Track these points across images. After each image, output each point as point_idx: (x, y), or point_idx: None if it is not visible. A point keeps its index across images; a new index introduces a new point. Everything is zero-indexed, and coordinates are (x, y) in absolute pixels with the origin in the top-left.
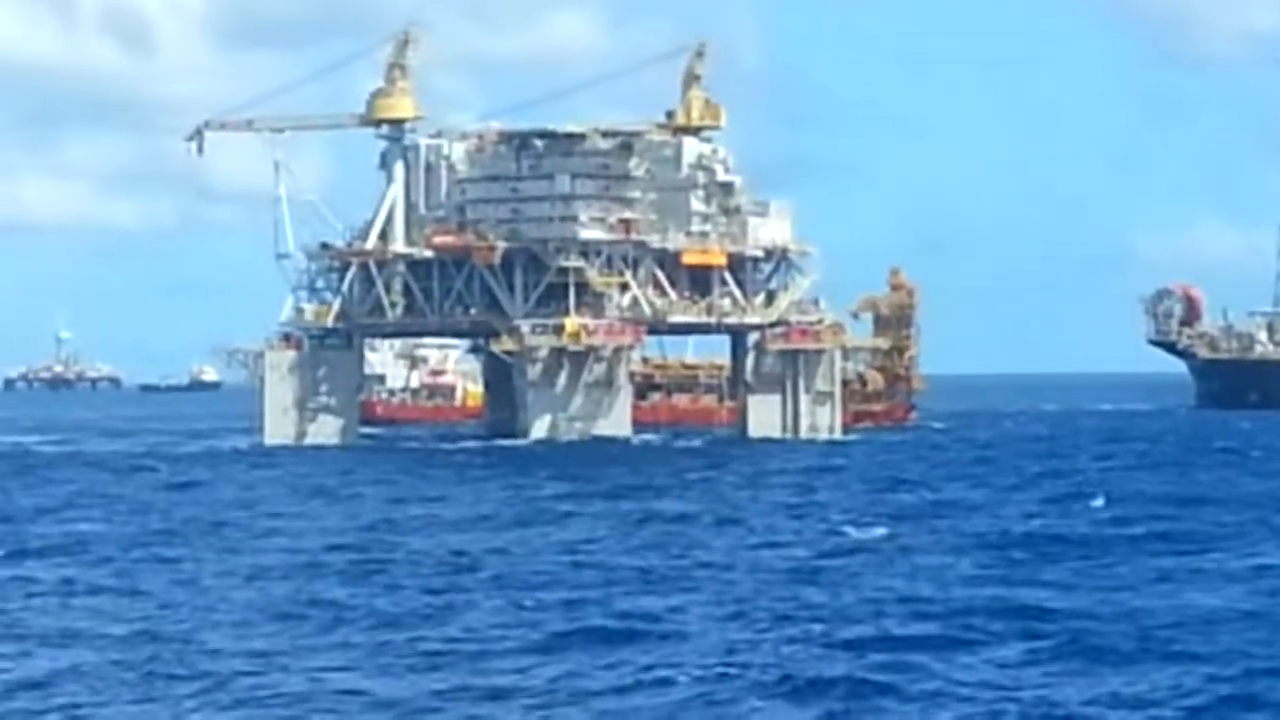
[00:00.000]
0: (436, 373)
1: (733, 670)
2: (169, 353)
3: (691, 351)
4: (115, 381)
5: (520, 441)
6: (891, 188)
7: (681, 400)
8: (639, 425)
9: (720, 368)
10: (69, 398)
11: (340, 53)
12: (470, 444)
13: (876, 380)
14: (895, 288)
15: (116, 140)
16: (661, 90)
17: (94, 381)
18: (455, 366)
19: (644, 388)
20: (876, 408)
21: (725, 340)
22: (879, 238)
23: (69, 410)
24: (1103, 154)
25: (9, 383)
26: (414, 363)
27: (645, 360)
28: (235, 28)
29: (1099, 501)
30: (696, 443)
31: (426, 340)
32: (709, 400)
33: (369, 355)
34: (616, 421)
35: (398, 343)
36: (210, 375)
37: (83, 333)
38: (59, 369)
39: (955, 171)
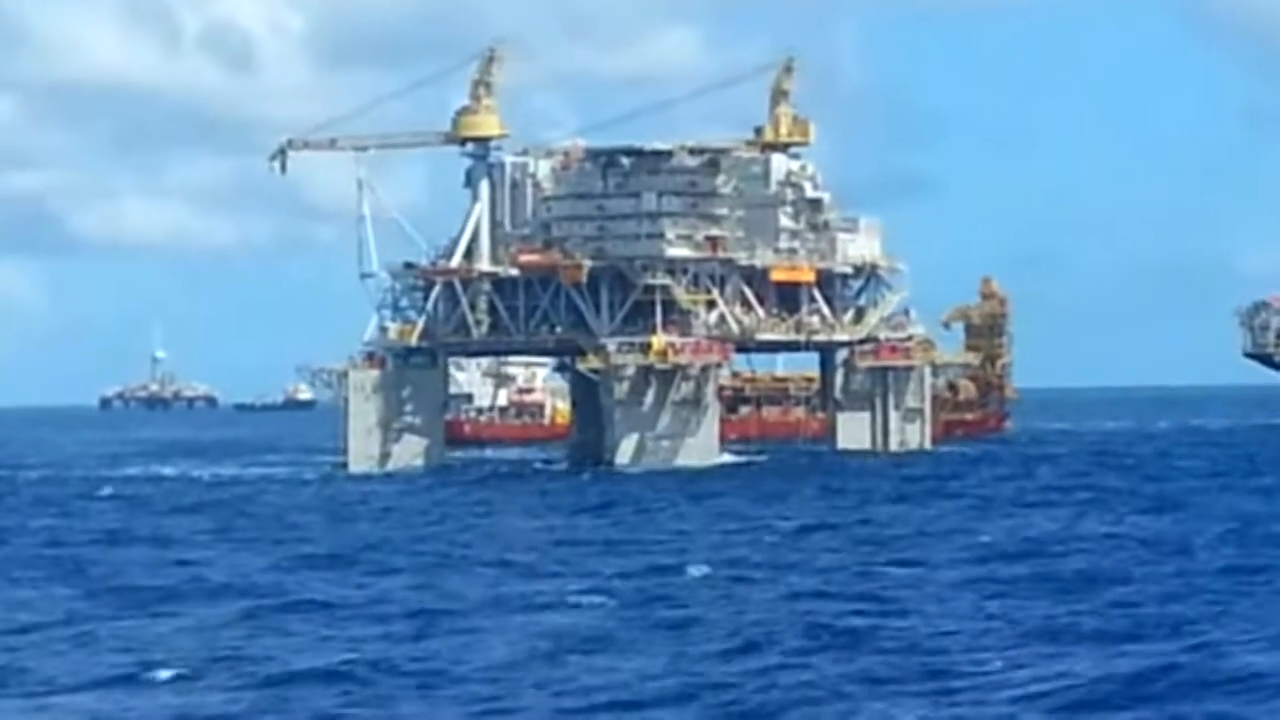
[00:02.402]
0: (525, 391)
1: None
2: (264, 372)
3: (781, 365)
4: (211, 401)
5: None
6: (990, 202)
7: (772, 413)
8: (728, 440)
9: (811, 380)
10: (165, 417)
11: (440, 72)
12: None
13: (969, 389)
14: (986, 296)
15: (214, 160)
16: (760, 106)
17: (190, 401)
18: (544, 384)
19: (734, 401)
20: (969, 417)
21: (815, 355)
22: (977, 252)
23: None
24: (1200, 167)
25: (105, 402)
26: (502, 381)
27: (735, 374)
28: (335, 47)
29: None
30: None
31: (514, 358)
32: (799, 413)
33: (456, 374)
34: (704, 441)
35: (485, 361)
36: (305, 394)
37: (178, 352)
38: (155, 388)
39: (1054, 186)
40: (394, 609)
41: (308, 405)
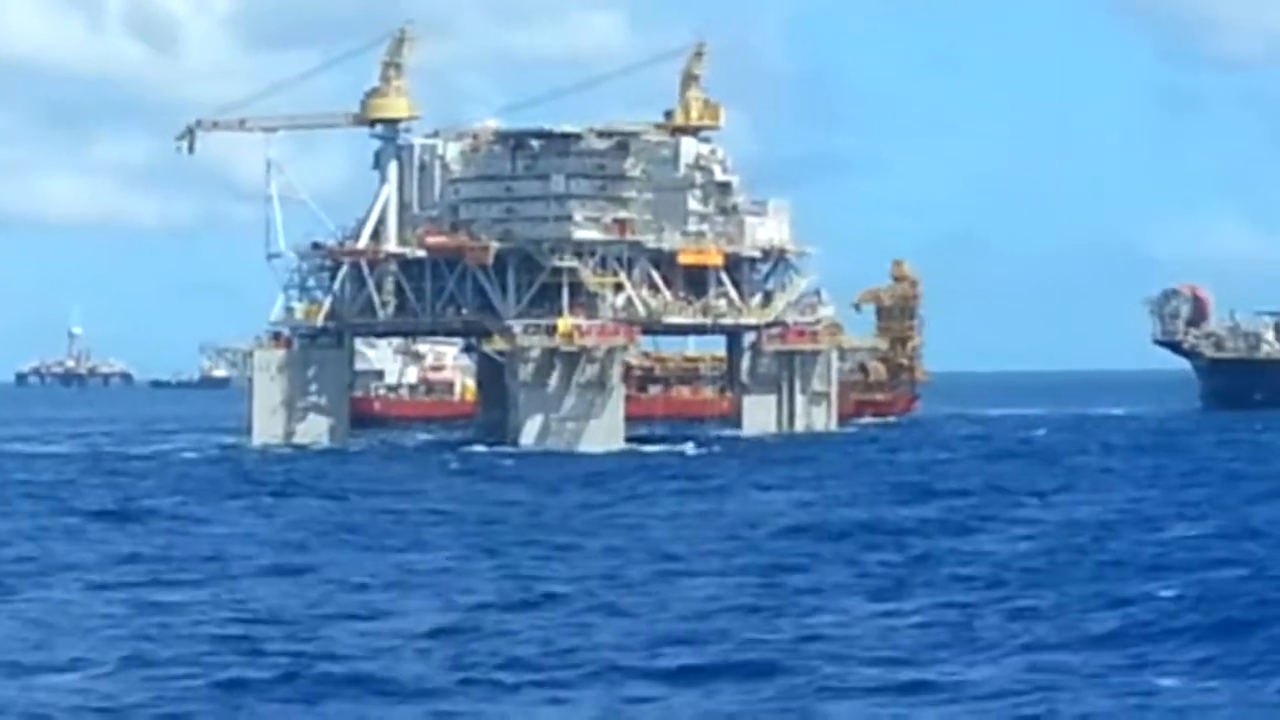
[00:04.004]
0: (436, 368)
1: None
2: (182, 349)
3: (692, 345)
4: (127, 377)
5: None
6: (908, 185)
7: (682, 393)
8: (638, 419)
9: (722, 360)
10: (82, 394)
11: (348, 53)
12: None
13: (879, 371)
14: (898, 279)
15: (136, 138)
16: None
17: (106, 377)
18: (455, 362)
19: (644, 380)
20: (879, 398)
21: (723, 338)
22: (895, 234)
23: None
24: (1115, 152)
25: (21, 377)
26: (413, 358)
27: (646, 353)
28: (262, 27)
29: None
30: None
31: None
32: (709, 392)
33: (366, 351)
34: (608, 423)
35: (396, 338)
36: (221, 372)
37: (96, 328)
38: (71, 364)
39: (972, 169)
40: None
41: (223, 383)
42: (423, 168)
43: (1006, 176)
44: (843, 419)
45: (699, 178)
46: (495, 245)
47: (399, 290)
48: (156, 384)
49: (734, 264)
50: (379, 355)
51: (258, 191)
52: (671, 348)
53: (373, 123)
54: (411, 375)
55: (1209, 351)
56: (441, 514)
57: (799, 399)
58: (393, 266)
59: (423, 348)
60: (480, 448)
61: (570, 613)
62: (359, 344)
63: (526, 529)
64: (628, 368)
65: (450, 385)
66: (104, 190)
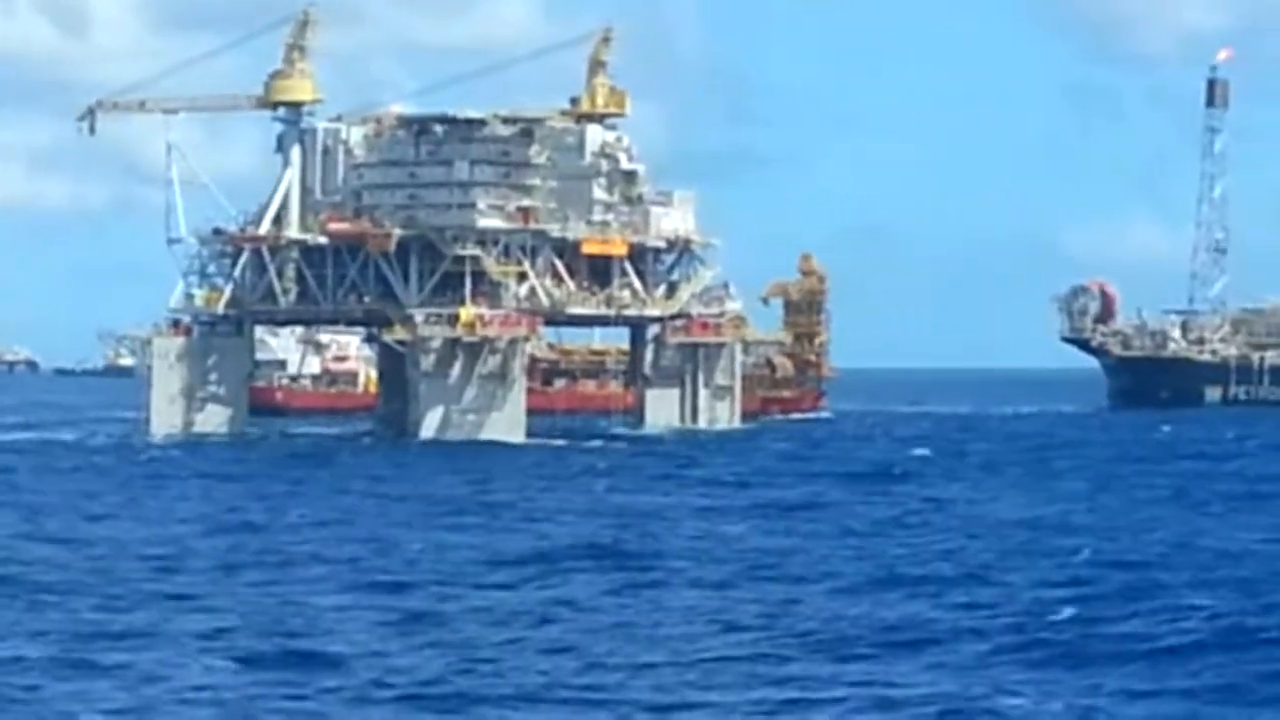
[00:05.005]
0: (339, 358)
1: None
2: (89, 337)
3: (598, 338)
4: (33, 365)
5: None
6: (821, 179)
7: (588, 386)
8: (540, 413)
9: (627, 353)
10: None
11: (248, 35)
12: None
13: (786, 367)
14: (806, 273)
15: (43, 122)
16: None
17: (11, 365)
18: (358, 352)
19: (549, 374)
20: (786, 394)
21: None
22: (805, 228)
23: None
24: (1027, 148)
25: None
26: (315, 348)
27: (552, 346)
28: (172, 9)
29: None
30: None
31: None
32: (615, 386)
33: (269, 340)
34: (510, 415)
35: (300, 327)
36: (127, 360)
37: (0, 315)
38: None
39: (883, 164)
40: None
41: (128, 371)
42: (326, 152)
43: (916, 172)
44: (749, 416)
45: (604, 166)
46: (398, 232)
47: (300, 277)
48: (61, 372)
49: (638, 254)
50: (281, 344)
51: (162, 175)
52: (575, 341)
53: (275, 105)
54: (314, 365)
55: (1116, 349)
56: (329, 514)
57: (702, 393)
58: (294, 253)
59: (325, 337)
60: (382, 441)
61: (420, 611)
62: (261, 333)
63: (396, 525)
64: (533, 360)
65: (354, 376)
66: (8, 173)
